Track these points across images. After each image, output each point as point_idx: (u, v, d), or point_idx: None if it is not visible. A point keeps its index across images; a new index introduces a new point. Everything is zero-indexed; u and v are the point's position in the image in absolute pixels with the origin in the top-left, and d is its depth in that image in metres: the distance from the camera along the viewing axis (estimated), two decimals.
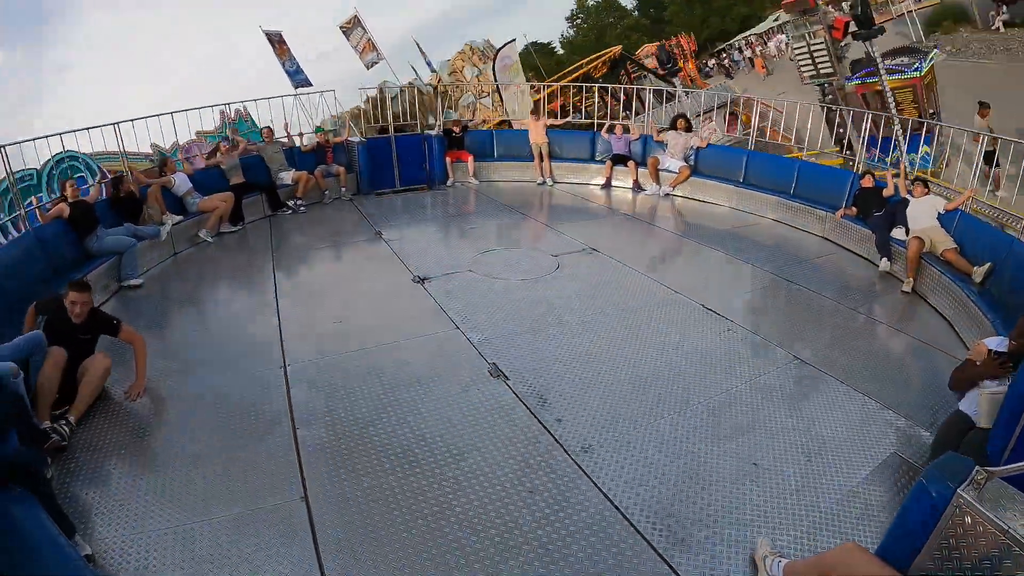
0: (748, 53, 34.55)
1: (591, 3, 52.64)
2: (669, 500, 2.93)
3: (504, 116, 15.67)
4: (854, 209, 6.79)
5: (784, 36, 32.03)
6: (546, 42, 50.62)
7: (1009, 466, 1.95)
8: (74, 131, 7.15)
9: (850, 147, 9.79)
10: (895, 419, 3.63)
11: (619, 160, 9.47)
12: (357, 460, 3.20)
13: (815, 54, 11.64)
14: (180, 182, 7.22)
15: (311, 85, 10.88)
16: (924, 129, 8.91)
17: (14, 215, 7.32)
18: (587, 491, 2.97)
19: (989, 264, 4.94)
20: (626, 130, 9.73)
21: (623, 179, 9.46)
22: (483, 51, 18.45)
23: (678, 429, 3.47)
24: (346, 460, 3.20)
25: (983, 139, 7.40)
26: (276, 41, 10.86)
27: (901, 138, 9.56)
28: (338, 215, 8.36)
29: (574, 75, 18.95)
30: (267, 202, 8.21)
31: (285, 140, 9.41)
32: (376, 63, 12.50)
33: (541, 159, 9.77)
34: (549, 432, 3.41)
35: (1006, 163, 6.89)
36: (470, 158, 9.89)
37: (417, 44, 18.50)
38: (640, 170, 9.27)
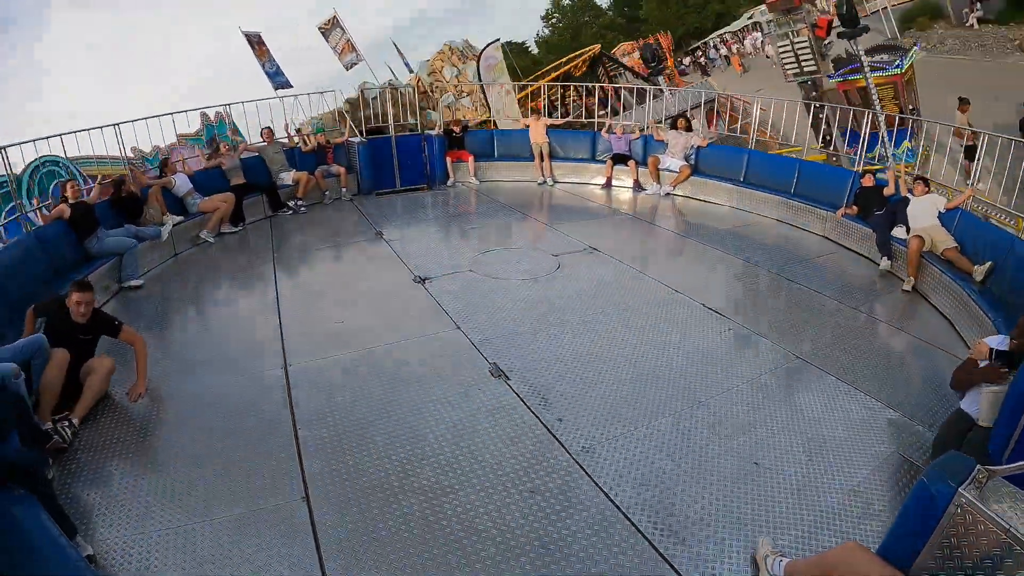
0: (724, 51, 34.72)
1: (566, 2, 52.56)
2: (670, 499, 2.93)
3: (487, 116, 15.65)
4: (855, 208, 6.79)
5: (759, 34, 32.37)
6: (520, 41, 50.46)
7: (1010, 465, 1.95)
8: (46, 138, 6.78)
9: (833, 143, 9.89)
10: (896, 418, 3.63)
11: (620, 159, 9.47)
12: (358, 460, 3.20)
13: (799, 52, 11.77)
14: (181, 183, 7.23)
15: (291, 87, 10.75)
16: (898, 123, 9.03)
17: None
18: (588, 490, 2.97)
19: (990, 263, 4.93)
20: (626, 130, 9.73)
21: (624, 179, 9.46)
22: (462, 51, 18.43)
23: (679, 428, 3.47)
24: (347, 460, 3.20)
25: (965, 135, 7.47)
26: (255, 42, 10.68)
27: (886, 136, 9.69)
28: (339, 215, 8.36)
29: (555, 74, 18.99)
30: (268, 203, 8.22)
31: (285, 141, 9.38)
32: (356, 64, 12.38)
33: (542, 159, 9.77)
34: (550, 432, 3.41)
35: (983, 156, 7.17)
36: (471, 158, 9.89)
37: (395, 45, 18.50)
38: (641, 169, 9.27)
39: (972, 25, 22.75)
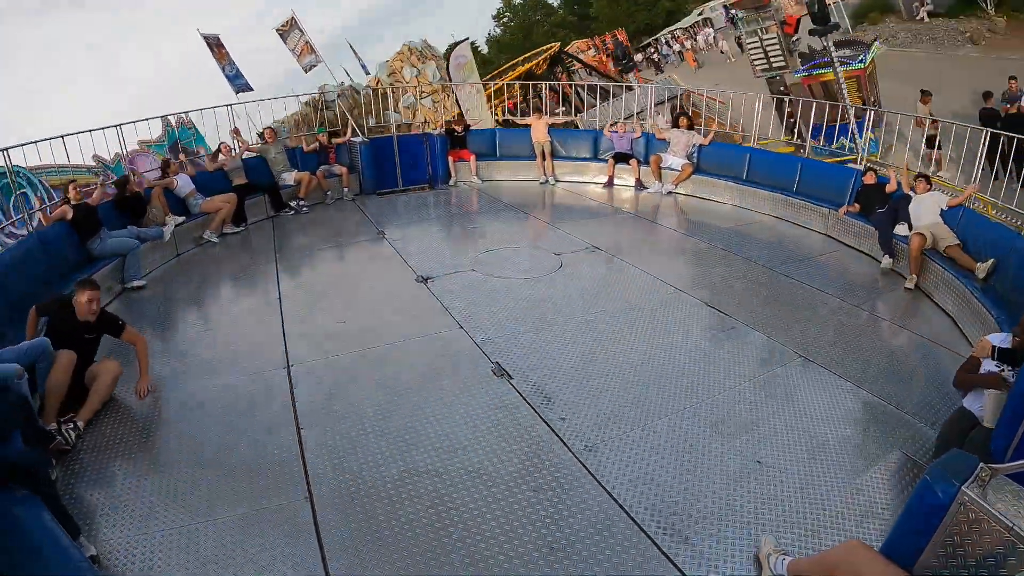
0: (677, 47, 34.87)
1: (518, 1, 52.25)
2: (673, 498, 2.93)
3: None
4: (857, 206, 6.78)
5: (711, 30, 32.70)
6: (469, 40, 50.16)
7: (1014, 463, 1.94)
8: (10, 147, 6.09)
9: (798, 134, 10.41)
10: (899, 416, 3.62)
11: (621, 158, 9.46)
12: (361, 460, 3.20)
13: (767, 49, 12.11)
14: (183, 183, 7.23)
15: (252, 90, 10.62)
16: (865, 115, 9.29)
17: None
18: (591, 490, 2.98)
19: (992, 260, 4.92)
20: (628, 129, 9.73)
21: (625, 177, 9.45)
22: (421, 51, 18.35)
23: (682, 427, 3.47)
24: (350, 460, 3.20)
25: (926, 124, 7.73)
26: (214, 45, 10.52)
27: (856, 128, 10.15)
28: (340, 215, 8.37)
29: (516, 73, 18.99)
30: (270, 203, 8.23)
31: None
32: (315, 66, 12.25)
33: (543, 158, 9.77)
34: (553, 431, 3.42)
35: (948, 146, 7.73)
36: (472, 157, 9.88)
37: (351, 46, 18.35)
38: (642, 168, 9.26)
39: (923, 19, 23.13)
